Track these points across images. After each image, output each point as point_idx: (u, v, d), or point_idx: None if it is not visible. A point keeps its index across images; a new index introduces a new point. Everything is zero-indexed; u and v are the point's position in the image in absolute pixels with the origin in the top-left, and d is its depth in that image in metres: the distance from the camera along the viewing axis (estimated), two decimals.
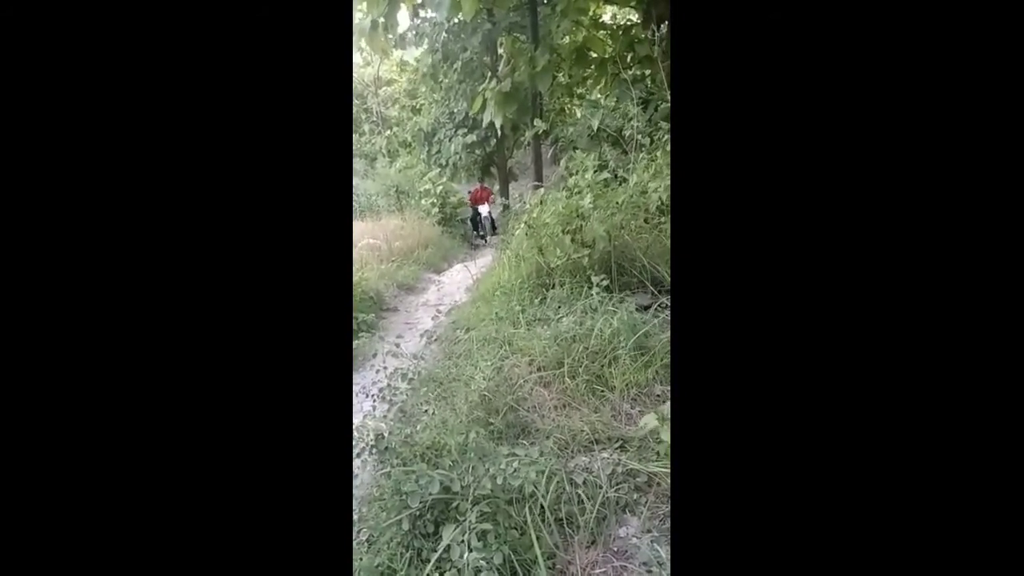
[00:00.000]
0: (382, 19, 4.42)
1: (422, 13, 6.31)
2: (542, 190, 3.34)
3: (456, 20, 6.15)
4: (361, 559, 1.24)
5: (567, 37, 5.43)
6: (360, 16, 4.53)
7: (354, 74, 11.20)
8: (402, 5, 4.43)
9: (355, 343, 1.84)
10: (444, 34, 6.81)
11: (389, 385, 1.74)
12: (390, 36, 5.11)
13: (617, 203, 2.61)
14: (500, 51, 6.06)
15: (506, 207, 4.01)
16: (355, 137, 11.55)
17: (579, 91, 6.15)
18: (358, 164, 10.74)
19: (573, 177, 2.94)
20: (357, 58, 10.52)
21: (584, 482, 1.33)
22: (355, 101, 11.51)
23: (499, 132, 6.20)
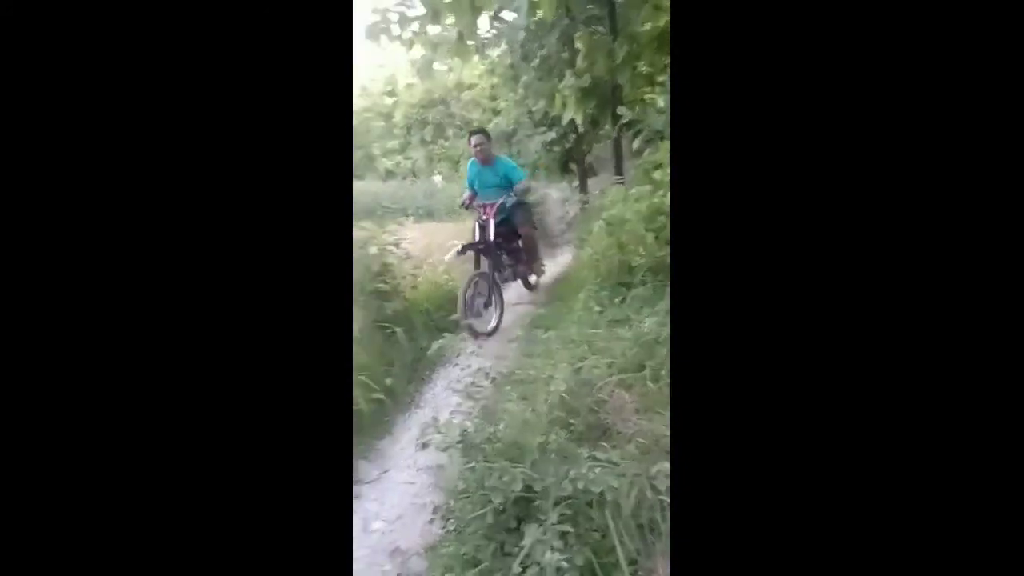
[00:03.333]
0: (466, 29, 4.56)
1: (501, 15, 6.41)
2: (621, 185, 3.25)
3: (534, 20, 6.16)
4: (449, 547, 1.33)
5: (647, 24, 5.22)
6: (446, 30, 4.71)
7: (438, 81, 11.65)
8: (483, 12, 4.54)
9: (441, 342, 1.94)
10: (522, 33, 6.86)
11: (473, 383, 1.82)
12: (471, 43, 5.26)
13: None
14: (577, 46, 5.97)
15: (585, 204, 3.96)
16: (439, 142, 12.00)
17: (660, 79, 5.90)
18: (444, 168, 11.17)
19: (658, 170, 2.83)
20: (440, 66, 10.90)
21: (666, 489, 1.30)
22: (439, 108, 11.93)
23: (578, 128, 6.12)
